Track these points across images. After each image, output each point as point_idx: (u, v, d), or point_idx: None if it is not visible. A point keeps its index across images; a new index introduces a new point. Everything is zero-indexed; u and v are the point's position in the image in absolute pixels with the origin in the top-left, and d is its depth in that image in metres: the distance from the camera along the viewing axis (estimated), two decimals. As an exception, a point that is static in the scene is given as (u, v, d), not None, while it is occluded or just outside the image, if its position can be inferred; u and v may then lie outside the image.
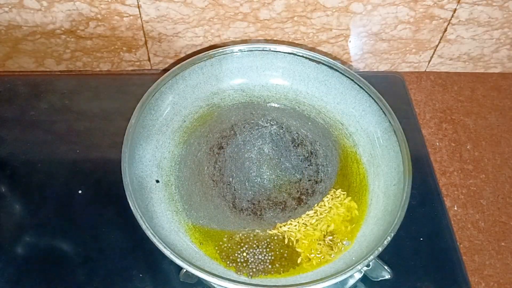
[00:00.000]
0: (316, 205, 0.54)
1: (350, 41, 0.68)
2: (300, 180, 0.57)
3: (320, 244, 0.51)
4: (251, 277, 0.49)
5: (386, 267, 0.47)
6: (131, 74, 0.71)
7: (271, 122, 0.61)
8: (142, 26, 0.64)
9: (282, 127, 0.61)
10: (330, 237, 0.52)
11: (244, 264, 0.50)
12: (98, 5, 0.61)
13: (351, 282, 0.51)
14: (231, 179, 0.56)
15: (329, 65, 0.59)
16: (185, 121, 0.60)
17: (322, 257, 0.50)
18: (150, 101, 0.55)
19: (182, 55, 0.69)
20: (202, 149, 0.58)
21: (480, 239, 0.57)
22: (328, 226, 0.53)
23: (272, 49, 0.60)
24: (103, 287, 0.51)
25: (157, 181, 0.54)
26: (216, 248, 0.51)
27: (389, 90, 0.62)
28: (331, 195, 0.55)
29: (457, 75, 0.73)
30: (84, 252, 0.53)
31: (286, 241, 0.52)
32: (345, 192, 0.55)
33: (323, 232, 0.52)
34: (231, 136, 0.60)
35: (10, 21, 0.63)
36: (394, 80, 0.72)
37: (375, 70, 0.73)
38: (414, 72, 0.73)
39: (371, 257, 0.45)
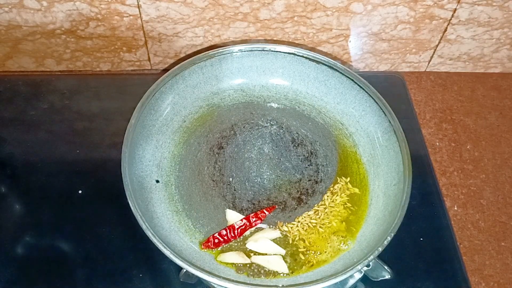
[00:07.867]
0: (316, 205, 0.54)
1: (350, 41, 0.68)
2: (300, 180, 0.57)
3: (321, 244, 0.51)
4: (251, 277, 0.49)
5: (386, 267, 0.47)
6: (131, 74, 0.71)
7: (271, 122, 0.61)
8: (142, 26, 0.64)
9: (282, 127, 0.61)
10: (331, 236, 0.52)
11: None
12: (98, 5, 0.61)
13: (351, 282, 0.51)
14: (231, 179, 0.56)
15: (329, 65, 0.59)
16: (185, 121, 0.60)
17: (323, 256, 0.50)
18: (150, 101, 0.55)
19: (182, 55, 0.69)
20: (202, 149, 0.58)
21: (480, 239, 0.57)
22: (328, 225, 0.52)
23: (272, 49, 0.60)
24: (103, 287, 0.51)
25: (157, 181, 0.54)
26: (216, 248, 0.51)
27: (389, 90, 0.62)
28: (330, 191, 0.55)
29: (457, 75, 0.73)
30: (84, 252, 0.53)
31: (286, 241, 0.52)
32: (342, 181, 0.56)
33: (323, 232, 0.52)
34: (231, 136, 0.60)
35: (10, 21, 0.63)
36: (394, 80, 0.71)
37: (375, 70, 0.73)
38: (414, 72, 0.73)
39: (371, 257, 0.45)
